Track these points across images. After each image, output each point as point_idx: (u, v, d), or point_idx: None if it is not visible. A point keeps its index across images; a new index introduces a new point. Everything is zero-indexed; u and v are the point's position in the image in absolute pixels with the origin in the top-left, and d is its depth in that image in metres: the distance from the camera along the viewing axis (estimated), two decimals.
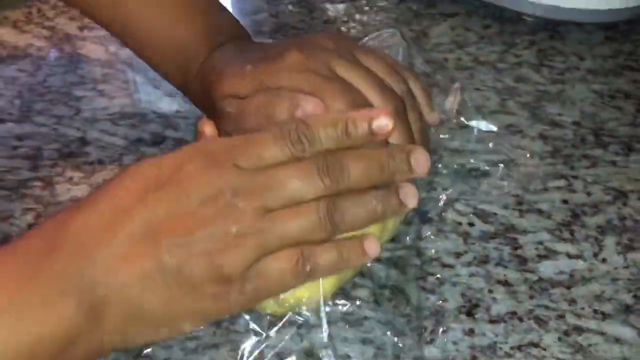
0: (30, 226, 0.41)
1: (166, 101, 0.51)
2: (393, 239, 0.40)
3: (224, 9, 0.45)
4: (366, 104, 0.37)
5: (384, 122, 0.32)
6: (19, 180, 0.44)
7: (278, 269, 0.30)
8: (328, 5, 0.62)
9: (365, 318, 0.37)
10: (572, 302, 0.39)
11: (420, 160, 0.32)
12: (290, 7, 0.62)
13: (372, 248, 0.32)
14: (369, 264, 0.38)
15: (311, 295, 0.33)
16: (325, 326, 0.33)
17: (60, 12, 0.59)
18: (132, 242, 0.28)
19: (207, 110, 0.41)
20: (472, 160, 0.47)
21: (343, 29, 0.59)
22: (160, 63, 0.45)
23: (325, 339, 0.33)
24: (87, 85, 0.51)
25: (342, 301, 0.35)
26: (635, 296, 0.39)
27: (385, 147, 0.33)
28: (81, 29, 0.57)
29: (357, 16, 0.61)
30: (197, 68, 0.42)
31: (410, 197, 0.32)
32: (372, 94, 0.37)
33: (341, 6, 0.62)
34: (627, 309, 0.38)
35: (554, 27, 0.61)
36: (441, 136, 0.47)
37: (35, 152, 0.46)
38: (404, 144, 0.35)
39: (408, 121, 0.39)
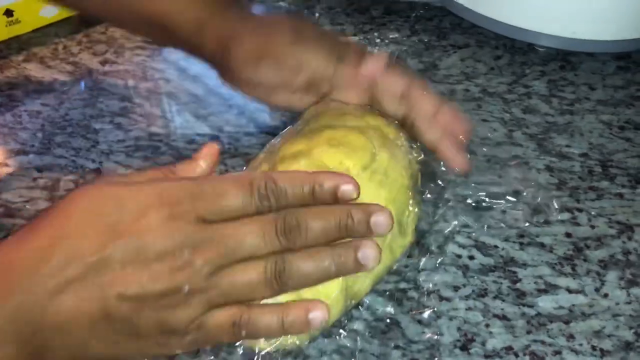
0: None
1: (179, 134, 0.52)
2: (392, 272, 0.41)
3: None
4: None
5: (349, 190, 0.32)
6: (37, 210, 0.46)
7: (216, 327, 0.31)
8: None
9: (360, 351, 0.37)
10: (570, 337, 0.38)
11: (380, 223, 0.32)
12: None
13: (317, 317, 0.31)
14: (366, 300, 0.39)
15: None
16: None
17: (85, 47, 0.62)
18: (83, 289, 0.29)
19: (222, 70, 0.45)
20: (476, 192, 0.47)
21: None
22: (171, 32, 0.46)
23: None
24: (105, 118, 0.54)
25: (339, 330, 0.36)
26: (636, 333, 0.39)
27: (346, 206, 0.32)
28: (103, 63, 0.60)
29: (369, 48, 0.62)
30: (212, 29, 0.44)
31: (370, 260, 0.32)
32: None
33: (353, 39, 0.63)
34: (627, 346, 0.38)
35: (566, 57, 0.61)
36: (443, 168, 0.48)
37: (53, 183, 0.48)
38: (367, 203, 0.33)
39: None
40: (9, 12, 0.61)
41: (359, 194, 0.32)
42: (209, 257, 0.30)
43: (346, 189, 0.32)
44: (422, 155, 0.42)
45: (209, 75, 0.58)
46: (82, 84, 0.58)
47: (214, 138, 0.52)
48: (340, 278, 0.34)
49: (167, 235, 0.30)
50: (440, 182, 0.47)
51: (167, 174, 0.34)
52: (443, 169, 0.47)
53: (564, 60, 0.61)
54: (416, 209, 0.39)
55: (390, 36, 0.64)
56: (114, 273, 0.29)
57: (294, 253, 0.32)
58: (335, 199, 0.32)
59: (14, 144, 0.51)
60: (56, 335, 0.29)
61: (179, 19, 0.44)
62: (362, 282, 0.36)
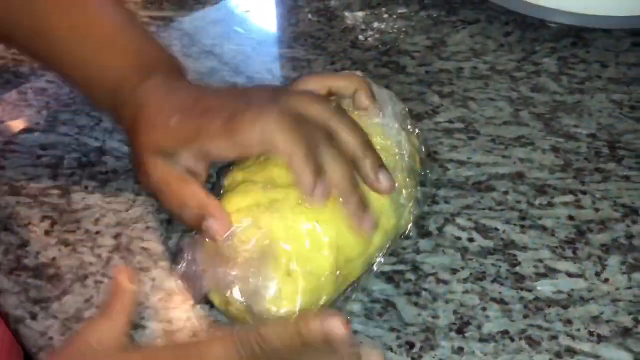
0: (46, 233, 0.43)
1: None
2: (391, 253, 0.40)
3: (154, 39, 0.44)
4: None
5: (339, 332, 0.30)
6: (40, 188, 0.46)
7: None
8: (347, 14, 0.62)
9: (355, 332, 0.38)
10: (568, 323, 0.38)
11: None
12: (310, 16, 0.62)
13: None
14: (364, 278, 0.39)
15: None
16: None
17: None
18: None
19: (132, 147, 0.40)
20: (477, 173, 0.47)
21: (361, 37, 0.59)
22: (89, 90, 0.43)
23: None
24: None
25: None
26: (635, 319, 0.38)
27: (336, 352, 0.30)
28: None
29: (376, 24, 0.61)
30: (127, 98, 0.40)
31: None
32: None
33: (360, 14, 0.62)
34: (625, 332, 0.38)
35: (579, 34, 0.59)
36: (446, 148, 0.47)
37: (57, 162, 0.48)
38: (356, 348, 0.31)
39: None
40: None
41: (348, 330, 0.30)
42: None
43: (337, 331, 0.30)
44: (417, 132, 0.42)
45: (213, 54, 0.58)
46: None
47: None
48: (332, 258, 0.35)
49: None
50: (441, 164, 0.47)
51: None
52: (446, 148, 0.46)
53: (576, 37, 0.59)
54: (411, 190, 0.39)
55: (399, 11, 0.62)
56: None
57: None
58: (327, 342, 0.30)
59: (20, 122, 0.52)
60: None
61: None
62: (355, 263, 0.36)
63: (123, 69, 0.41)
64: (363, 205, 0.36)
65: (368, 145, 0.37)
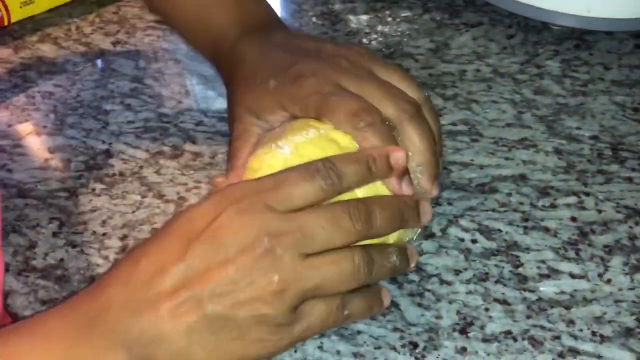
0: (54, 234, 0.44)
1: (188, 116, 0.53)
2: None
3: None
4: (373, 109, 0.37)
5: (401, 157, 0.35)
6: (48, 190, 0.47)
7: (320, 313, 0.32)
8: (351, 17, 0.63)
9: (359, 332, 0.38)
10: (570, 323, 0.38)
11: (426, 211, 0.37)
12: (314, 19, 0.63)
13: (387, 299, 0.37)
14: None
15: None
16: None
17: (97, 28, 0.63)
18: (174, 297, 0.30)
19: (229, 101, 0.43)
20: (480, 175, 0.47)
21: (365, 40, 0.60)
22: (193, 39, 0.48)
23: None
24: (115, 99, 0.54)
25: None
26: (637, 319, 0.38)
27: (396, 197, 0.36)
28: (114, 44, 0.60)
29: (380, 27, 0.61)
30: (227, 51, 0.44)
31: (412, 257, 0.37)
32: (385, 104, 0.38)
33: (364, 17, 0.63)
34: (627, 332, 0.38)
35: (582, 36, 0.60)
36: (449, 150, 0.48)
37: (64, 164, 0.49)
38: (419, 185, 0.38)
39: (427, 123, 0.39)
40: None
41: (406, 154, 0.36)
42: (288, 246, 0.31)
43: (397, 156, 0.35)
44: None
45: None
46: (99, 62, 0.58)
47: (223, 120, 0.52)
48: None
49: (241, 229, 0.30)
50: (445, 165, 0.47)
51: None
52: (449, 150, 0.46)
53: (579, 39, 0.59)
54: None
55: (402, 14, 0.63)
56: (199, 275, 0.30)
57: (371, 248, 0.34)
58: (390, 169, 0.35)
59: (27, 125, 0.52)
60: (160, 345, 0.30)
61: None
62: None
63: (222, 26, 0.45)
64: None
65: (433, 151, 0.39)
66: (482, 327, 0.38)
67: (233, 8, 0.46)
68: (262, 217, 0.31)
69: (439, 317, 0.39)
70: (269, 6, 0.48)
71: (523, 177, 0.47)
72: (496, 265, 0.41)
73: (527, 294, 0.40)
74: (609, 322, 0.38)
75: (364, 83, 0.39)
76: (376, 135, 0.36)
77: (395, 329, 0.38)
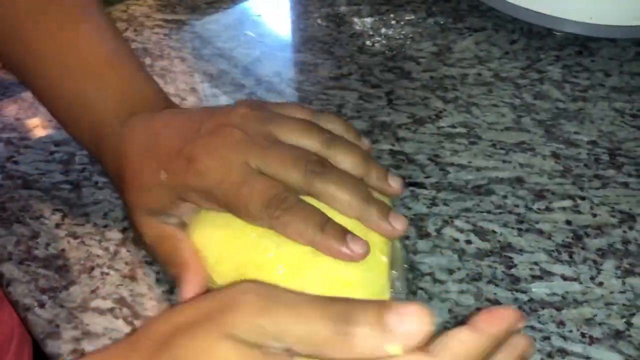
0: (57, 225, 0.45)
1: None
2: None
3: (140, 72, 0.43)
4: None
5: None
6: (52, 182, 0.48)
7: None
8: (356, 19, 0.64)
9: None
10: (561, 324, 0.39)
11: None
12: (319, 21, 0.64)
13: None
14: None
15: None
16: None
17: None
18: None
19: (124, 202, 0.40)
20: (477, 177, 0.47)
21: (368, 42, 0.61)
22: (73, 126, 0.43)
23: None
24: None
25: None
26: (627, 322, 0.39)
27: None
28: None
29: (383, 30, 0.62)
30: (108, 145, 0.39)
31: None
32: (290, 172, 0.35)
33: (368, 20, 0.63)
34: (617, 335, 0.38)
35: (585, 42, 0.60)
36: (447, 152, 0.48)
37: (68, 158, 0.50)
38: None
39: (348, 154, 0.36)
40: None
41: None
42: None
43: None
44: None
45: (223, 56, 0.60)
46: None
47: None
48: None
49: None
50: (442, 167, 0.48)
51: None
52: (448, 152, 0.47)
53: (582, 46, 0.60)
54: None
55: (407, 18, 0.64)
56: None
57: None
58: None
59: (35, 119, 0.54)
60: None
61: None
62: None
63: (105, 110, 0.40)
64: (385, 211, 0.35)
65: (368, 158, 0.37)
66: None
67: (116, 89, 0.40)
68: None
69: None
70: (156, 87, 0.43)
71: (519, 180, 0.47)
72: (489, 266, 0.42)
73: (518, 295, 0.40)
74: (599, 324, 0.39)
75: (265, 152, 0.35)
76: (296, 217, 0.33)
77: None
